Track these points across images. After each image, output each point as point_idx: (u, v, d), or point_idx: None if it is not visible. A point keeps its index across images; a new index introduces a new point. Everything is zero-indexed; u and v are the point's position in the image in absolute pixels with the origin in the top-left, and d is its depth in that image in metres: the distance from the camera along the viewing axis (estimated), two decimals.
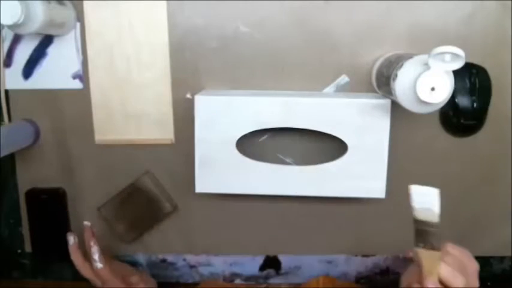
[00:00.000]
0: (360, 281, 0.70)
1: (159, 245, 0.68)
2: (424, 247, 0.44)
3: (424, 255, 0.44)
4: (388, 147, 0.57)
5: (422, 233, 0.43)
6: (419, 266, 0.45)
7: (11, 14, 0.50)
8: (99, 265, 0.58)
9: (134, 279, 0.61)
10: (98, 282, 0.59)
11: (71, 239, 0.60)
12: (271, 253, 0.70)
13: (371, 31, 0.61)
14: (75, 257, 0.60)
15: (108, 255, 0.63)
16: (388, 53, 0.59)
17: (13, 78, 0.64)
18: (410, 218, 0.66)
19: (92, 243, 0.59)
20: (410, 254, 0.47)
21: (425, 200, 0.43)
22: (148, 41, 0.62)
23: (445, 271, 0.44)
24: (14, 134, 0.62)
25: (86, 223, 0.61)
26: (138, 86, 0.64)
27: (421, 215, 0.43)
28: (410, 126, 0.63)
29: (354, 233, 0.68)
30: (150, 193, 0.66)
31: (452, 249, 0.47)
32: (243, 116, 0.58)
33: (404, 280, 0.52)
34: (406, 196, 0.65)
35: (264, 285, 0.70)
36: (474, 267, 0.49)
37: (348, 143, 0.58)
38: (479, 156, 0.64)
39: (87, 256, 0.60)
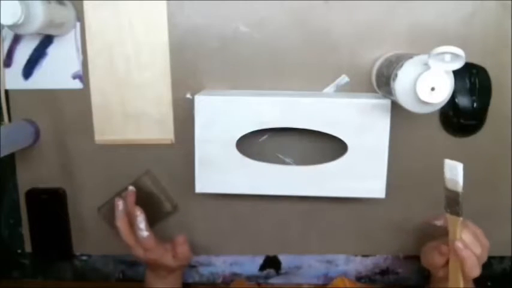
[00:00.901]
0: (360, 281, 0.70)
1: None
2: (450, 213, 0.50)
3: (450, 219, 0.50)
4: (388, 147, 0.57)
5: (450, 200, 0.50)
6: (446, 229, 0.51)
7: (11, 14, 0.50)
8: (145, 233, 0.58)
9: (180, 238, 0.60)
10: (140, 251, 0.59)
11: (120, 204, 0.59)
12: (271, 253, 0.70)
13: (371, 31, 0.61)
14: (122, 224, 0.59)
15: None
16: (388, 53, 0.59)
17: (13, 78, 0.64)
18: (410, 218, 0.66)
19: (138, 212, 0.58)
20: (434, 222, 0.53)
21: (453, 173, 0.49)
22: (148, 41, 0.62)
23: (467, 236, 0.50)
24: (14, 134, 0.62)
25: (131, 188, 0.61)
26: (138, 86, 0.64)
27: (449, 185, 0.50)
28: (410, 126, 0.63)
29: (354, 233, 0.68)
30: (150, 193, 0.66)
31: (470, 222, 0.52)
32: (243, 116, 0.58)
33: (426, 249, 0.57)
34: (406, 196, 0.66)
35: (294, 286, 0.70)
36: (487, 243, 0.52)
37: (348, 143, 0.58)
38: (479, 156, 0.64)
39: (129, 223, 0.59)
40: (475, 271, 0.49)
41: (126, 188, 0.66)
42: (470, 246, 0.50)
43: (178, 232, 0.68)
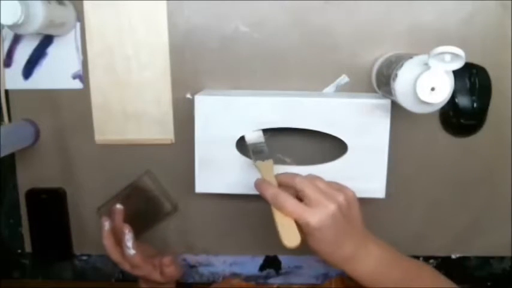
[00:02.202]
0: None
1: (159, 245, 0.68)
2: (261, 159, 0.54)
3: (262, 166, 0.53)
4: (388, 147, 0.57)
5: (256, 151, 0.55)
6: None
7: (11, 14, 0.50)
8: (132, 252, 0.58)
9: (166, 260, 0.60)
10: (127, 267, 0.59)
11: (106, 225, 0.60)
12: (271, 253, 0.70)
13: (371, 31, 0.61)
14: (108, 242, 0.59)
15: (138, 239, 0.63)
16: (388, 53, 0.59)
17: (13, 78, 0.64)
18: (410, 218, 0.66)
19: (126, 230, 0.58)
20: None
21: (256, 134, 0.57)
22: (148, 41, 0.62)
23: (281, 176, 0.50)
24: (14, 134, 0.62)
25: (119, 206, 0.62)
26: (138, 86, 0.64)
27: (252, 140, 0.57)
28: (410, 126, 0.63)
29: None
30: (150, 193, 0.66)
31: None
32: (243, 116, 0.58)
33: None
34: (406, 196, 0.66)
35: (276, 286, 0.70)
36: (342, 188, 0.50)
37: (348, 143, 0.58)
38: (479, 156, 0.64)
39: (116, 239, 0.60)
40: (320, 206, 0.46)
41: (126, 188, 0.66)
42: (287, 181, 0.49)
43: (178, 232, 0.69)
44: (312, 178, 0.49)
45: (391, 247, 0.51)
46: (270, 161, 0.53)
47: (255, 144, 0.56)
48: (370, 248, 0.49)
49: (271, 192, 0.48)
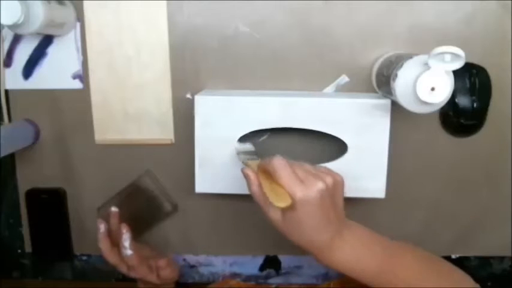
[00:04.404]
0: None
1: (159, 245, 0.68)
2: (251, 159, 0.53)
3: (253, 164, 0.51)
4: (388, 147, 0.57)
5: (247, 154, 0.56)
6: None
7: (11, 14, 0.50)
8: (128, 252, 0.58)
9: (162, 262, 0.60)
10: (124, 268, 0.59)
11: (102, 227, 0.60)
12: (271, 253, 0.70)
13: (371, 31, 0.61)
14: (104, 244, 0.60)
15: (138, 239, 0.64)
16: (388, 53, 0.59)
17: (13, 78, 0.64)
18: (410, 218, 0.66)
19: (124, 230, 0.59)
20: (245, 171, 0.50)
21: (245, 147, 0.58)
22: (148, 41, 0.62)
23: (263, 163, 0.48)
24: (14, 134, 0.62)
25: (114, 209, 0.62)
26: (138, 86, 0.64)
27: (242, 149, 0.58)
28: (410, 126, 0.63)
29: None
30: (150, 193, 0.66)
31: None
32: (243, 116, 0.58)
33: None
34: (406, 196, 0.66)
35: (274, 286, 0.70)
36: (329, 172, 0.48)
37: (348, 143, 0.58)
38: (479, 156, 0.64)
39: (113, 242, 0.60)
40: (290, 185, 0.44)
41: (126, 188, 0.66)
42: (266, 166, 0.46)
43: (178, 232, 0.69)
44: (302, 163, 0.49)
45: (367, 231, 0.49)
46: (259, 160, 0.51)
47: (244, 153, 0.57)
48: (345, 235, 0.47)
49: (269, 159, 0.46)
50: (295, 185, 0.44)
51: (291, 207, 0.44)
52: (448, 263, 0.51)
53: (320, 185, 0.44)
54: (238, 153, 0.57)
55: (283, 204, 0.44)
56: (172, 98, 0.64)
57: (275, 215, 0.47)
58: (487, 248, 0.68)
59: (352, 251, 0.47)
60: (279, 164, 0.45)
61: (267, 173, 0.47)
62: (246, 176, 0.49)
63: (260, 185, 0.48)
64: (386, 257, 0.48)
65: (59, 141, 0.66)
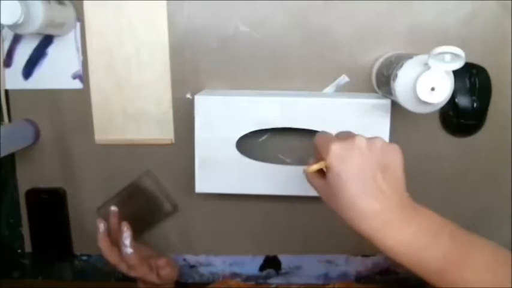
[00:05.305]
0: (360, 281, 0.70)
1: (159, 245, 0.68)
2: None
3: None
4: None
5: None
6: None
7: (11, 14, 0.50)
8: (129, 250, 0.58)
9: (161, 262, 0.60)
10: (124, 267, 0.59)
11: (101, 226, 0.60)
12: (271, 253, 0.70)
13: (371, 31, 0.61)
14: (103, 243, 0.60)
15: (138, 239, 0.64)
16: (388, 53, 0.59)
17: (13, 78, 0.64)
18: None
19: (125, 228, 0.58)
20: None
21: None
22: (148, 41, 0.62)
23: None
24: (14, 134, 0.62)
25: (114, 208, 0.63)
26: (138, 86, 0.64)
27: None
28: (410, 126, 0.63)
29: (354, 232, 0.68)
30: (150, 193, 0.66)
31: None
32: (243, 116, 0.58)
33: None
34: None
35: (274, 286, 0.70)
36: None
37: None
38: (479, 156, 0.64)
39: (113, 241, 0.60)
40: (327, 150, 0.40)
41: (126, 188, 0.66)
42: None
43: (178, 232, 0.69)
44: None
45: (437, 217, 0.42)
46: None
47: None
48: (406, 216, 0.40)
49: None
50: (330, 141, 0.41)
51: (328, 169, 0.41)
52: None
53: (358, 140, 0.40)
54: None
55: (309, 169, 0.42)
56: (172, 98, 0.64)
57: (317, 183, 0.44)
58: None
59: (415, 238, 0.39)
60: (318, 134, 0.44)
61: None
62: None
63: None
64: (455, 253, 0.40)
65: (59, 141, 0.66)
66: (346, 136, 0.43)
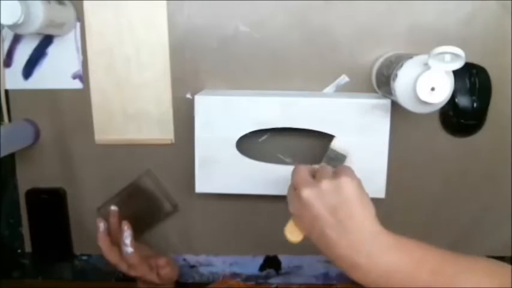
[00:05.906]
0: None
1: (159, 244, 0.68)
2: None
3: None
4: (388, 147, 0.57)
5: (332, 157, 0.57)
6: None
7: (11, 14, 0.50)
8: (130, 250, 0.58)
9: (162, 261, 0.60)
10: (124, 267, 0.59)
11: (101, 226, 0.60)
12: (271, 253, 0.70)
13: (371, 31, 0.61)
14: (103, 243, 0.60)
15: (138, 239, 0.64)
16: (388, 53, 0.59)
17: (13, 78, 0.64)
18: (410, 218, 0.66)
19: (125, 227, 0.59)
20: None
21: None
22: (148, 41, 0.62)
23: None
24: (14, 134, 0.62)
25: (114, 208, 0.63)
26: (138, 86, 0.64)
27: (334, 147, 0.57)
28: (410, 126, 0.63)
29: None
30: (150, 193, 0.66)
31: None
32: (243, 116, 0.58)
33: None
34: (406, 196, 0.66)
35: (274, 286, 0.70)
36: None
37: (348, 143, 0.58)
38: (479, 156, 0.64)
39: (113, 241, 0.60)
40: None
41: (126, 188, 0.66)
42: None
43: (178, 232, 0.69)
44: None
45: (417, 245, 0.42)
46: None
47: (335, 152, 0.57)
48: (378, 252, 0.41)
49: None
50: (306, 182, 0.44)
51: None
52: None
53: (304, 192, 0.43)
54: (330, 149, 0.57)
55: (293, 238, 0.47)
56: (172, 98, 0.64)
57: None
58: (487, 248, 0.67)
59: (390, 274, 0.40)
60: (303, 167, 0.46)
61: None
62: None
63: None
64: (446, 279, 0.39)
65: (59, 141, 0.66)
66: (303, 181, 0.44)
